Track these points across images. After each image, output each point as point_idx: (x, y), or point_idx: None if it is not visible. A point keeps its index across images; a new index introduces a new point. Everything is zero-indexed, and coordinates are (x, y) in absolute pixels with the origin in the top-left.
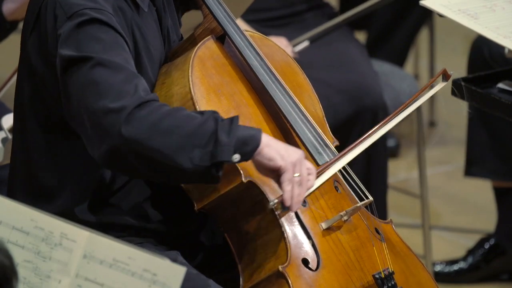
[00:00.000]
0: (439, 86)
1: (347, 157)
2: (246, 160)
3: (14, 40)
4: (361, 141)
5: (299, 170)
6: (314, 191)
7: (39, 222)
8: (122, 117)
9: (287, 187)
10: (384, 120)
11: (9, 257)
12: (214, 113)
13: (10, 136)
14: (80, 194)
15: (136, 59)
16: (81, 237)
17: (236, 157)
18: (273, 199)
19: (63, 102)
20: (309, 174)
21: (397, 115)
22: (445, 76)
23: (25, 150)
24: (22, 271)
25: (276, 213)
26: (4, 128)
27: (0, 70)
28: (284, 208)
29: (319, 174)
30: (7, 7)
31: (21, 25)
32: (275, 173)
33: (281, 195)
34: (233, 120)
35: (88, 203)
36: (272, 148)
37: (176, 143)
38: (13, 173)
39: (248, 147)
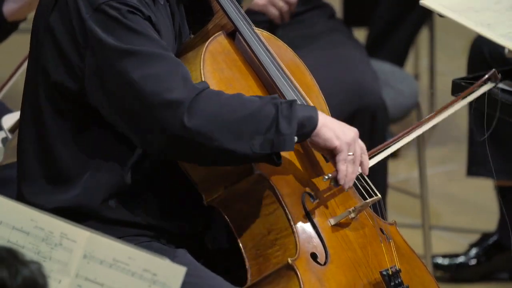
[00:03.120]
0: (487, 86)
1: (403, 140)
2: (303, 141)
3: (15, 40)
4: (412, 130)
5: (353, 149)
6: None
7: (39, 222)
8: (183, 109)
9: (342, 166)
10: (435, 112)
11: (43, 276)
12: (272, 98)
13: (10, 136)
14: (96, 188)
15: None
16: (81, 237)
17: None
18: (328, 174)
19: (94, 90)
20: (362, 153)
21: (445, 110)
22: (495, 77)
23: (42, 138)
24: None
25: (330, 185)
26: (4, 128)
27: (0, 70)
28: (337, 184)
29: (371, 154)
30: (8, 8)
31: (21, 25)
32: (329, 151)
33: (335, 171)
34: (292, 104)
35: (103, 198)
36: (329, 128)
37: (237, 130)
38: (25, 159)
39: (306, 129)
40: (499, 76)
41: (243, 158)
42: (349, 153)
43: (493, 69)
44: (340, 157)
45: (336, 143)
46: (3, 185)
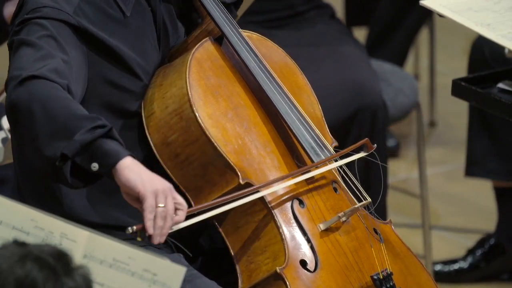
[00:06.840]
0: (359, 155)
1: (229, 205)
2: (106, 173)
3: None
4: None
5: (163, 201)
6: (182, 228)
7: (39, 222)
8: (16, 81)
9: (148, 215)
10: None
11: (88, 284)
12: (101, 120)
13: (10, 136)
14: (83, 196)
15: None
16: (81, 237)
17: (94, 165)
18: (133, 227)
19: None
20: (177, 209)
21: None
22: (367, 147)
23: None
24: None
25: (138, 239)
26: (4, 128)
27: (1, 70)
28: (145, 236)
29: (191, 212)
30: (8, 10)
31: None
32: (139, 202)
33: (142, 224)
34: (106, 132)
35: (92, 204)
36: (135, 172)
37: (47, 124)
38: (19, 178)
39: (109, 160)
40: (374, 146)
41: (40, 156)
42: (159, 205)
43: (366, 139)
44: (146, 205)
45: (139, 187)
46: (3, 185)
